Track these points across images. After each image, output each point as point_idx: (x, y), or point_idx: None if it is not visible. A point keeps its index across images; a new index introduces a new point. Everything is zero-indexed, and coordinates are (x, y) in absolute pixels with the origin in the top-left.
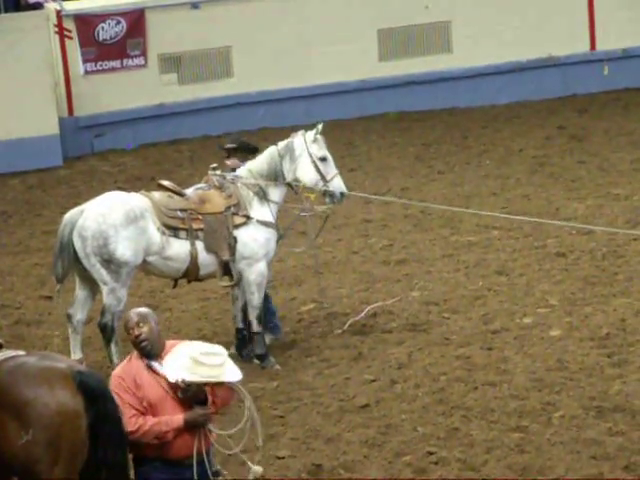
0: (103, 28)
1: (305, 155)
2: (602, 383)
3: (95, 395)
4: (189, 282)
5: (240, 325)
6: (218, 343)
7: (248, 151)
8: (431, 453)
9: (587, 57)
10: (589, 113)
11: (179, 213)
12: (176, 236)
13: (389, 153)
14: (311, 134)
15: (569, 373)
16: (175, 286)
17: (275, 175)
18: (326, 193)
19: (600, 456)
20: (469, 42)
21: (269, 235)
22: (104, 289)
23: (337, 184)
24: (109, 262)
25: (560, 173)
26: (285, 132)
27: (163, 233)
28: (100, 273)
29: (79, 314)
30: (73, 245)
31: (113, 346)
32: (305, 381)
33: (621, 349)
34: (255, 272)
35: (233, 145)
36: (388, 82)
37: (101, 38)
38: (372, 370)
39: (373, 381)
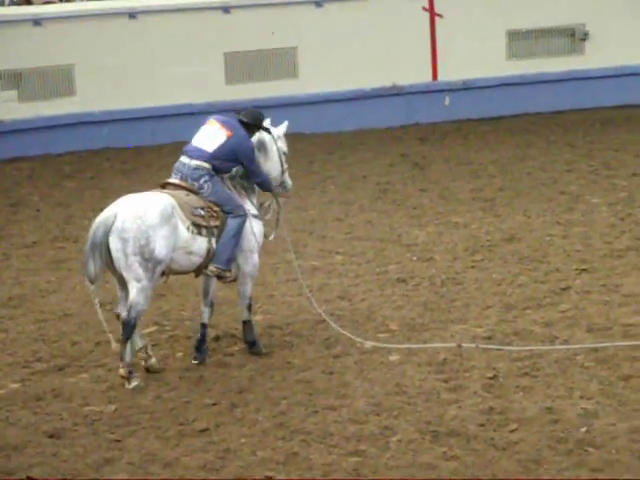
0: None
1: (274, 150)
2: (438, 408)
3: None
4: (196, 276)
5: (205, 321)
6: (54, 365)
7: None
8: (270, 477)
9: (429, 87)
10: (431, 142)
11: (201, 211)
12: (200, 234)
13: None
14: (279, 130)
15: (407, 398)
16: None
17: None
18: (282, 184)
19: None
20: (315, 68)
21: (260, 227)
22: (135, 287)
23: (287, 176)
24: (147, 261)
25: (402, 200)
26: (129, 153)
27: (191, 232)
28: (137, 272)
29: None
30: (107, 246)
31: (129, 345)
32: (144, 405)
33: (457, 374)
34: (251, 264)
35: (247, 120)
36: (234, 106)
37: None
38: (212, 394)
39: (213, 405)
